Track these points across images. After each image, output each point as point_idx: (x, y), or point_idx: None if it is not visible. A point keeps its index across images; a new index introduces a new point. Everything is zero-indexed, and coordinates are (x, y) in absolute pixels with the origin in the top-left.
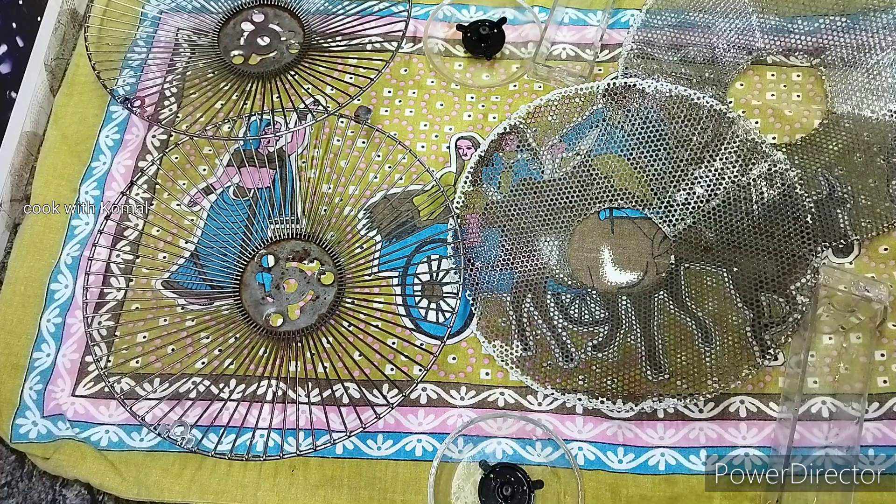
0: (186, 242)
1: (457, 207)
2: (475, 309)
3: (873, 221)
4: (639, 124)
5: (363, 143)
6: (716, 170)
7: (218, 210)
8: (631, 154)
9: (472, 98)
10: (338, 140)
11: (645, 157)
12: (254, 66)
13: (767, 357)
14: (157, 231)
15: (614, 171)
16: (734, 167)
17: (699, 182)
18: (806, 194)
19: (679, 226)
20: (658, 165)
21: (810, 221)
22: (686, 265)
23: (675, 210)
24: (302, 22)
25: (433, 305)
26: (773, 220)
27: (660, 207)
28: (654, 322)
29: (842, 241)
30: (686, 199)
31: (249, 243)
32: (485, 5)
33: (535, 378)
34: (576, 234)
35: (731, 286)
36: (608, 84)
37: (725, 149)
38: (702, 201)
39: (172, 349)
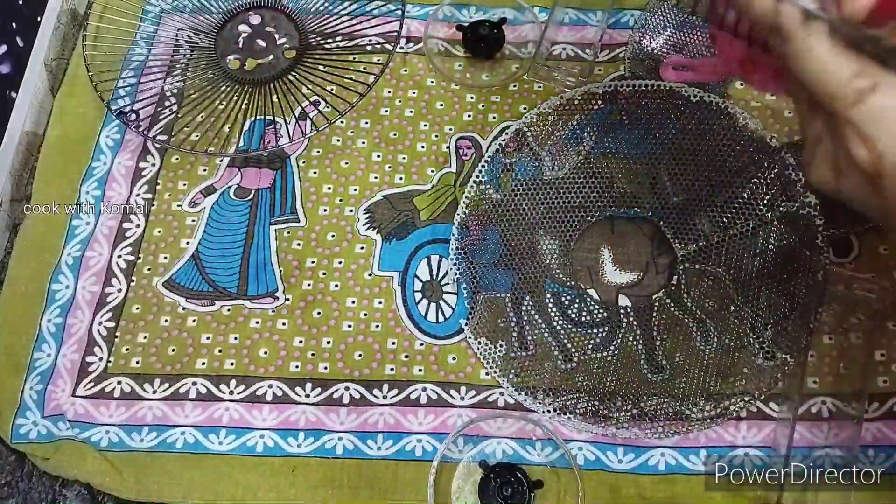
0: (187, 243)
1: (458, 208)
2: (474, 308)
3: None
4: (642, 127)
5: (363, 143)
6: (743, 199)
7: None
8: (636, 158)
9: (472, 98)
10: (337, 140)
11: (649, 162)
12: (250, 72)
13: (767, 357)
14: (159, 232)
15: (616, 174)
16: (761, 201)
17: (719, 207)
18: (825, 246)
19: (690, 247)
20: (678, 180)
21: (821, 279)
22: (686, 265)
23: (689, 231)
24: (297, 24)
25: (433, 305)
26: (784, 268)
27: (673, 225)
28: (653, 322)
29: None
30: (702, 221)
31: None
32: (485, 5)
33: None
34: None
35: (731, 286)
36: (609, 84)
37: (758, 179)
38: (718, 228)
39: (173, 349)
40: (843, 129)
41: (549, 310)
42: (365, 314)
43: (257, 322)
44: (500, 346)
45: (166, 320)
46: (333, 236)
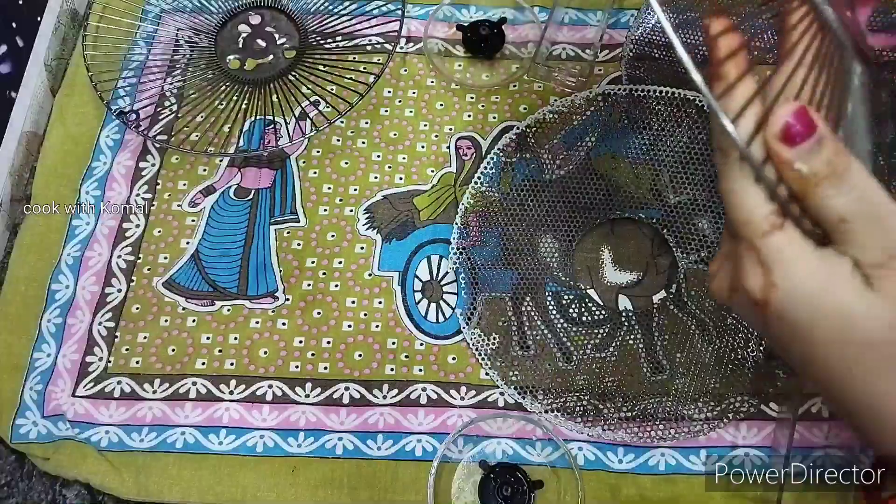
0: (187, 243)
1: (458, 208)
2: (474, 308)
3: None
4: (652, 133)
5: (363, 143)
6: None
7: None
8: (643, 163)
9: (472, 98)
10: (337, 140)
11: (655, 166)
12: (250, 72)
13: (768, 357)
14: (159, 232)
15: (621, 177)
16: None
17: (722, 210)
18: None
19: (692, 256)
20: (682, 184)
21: None
22: (686, 266)
23: (691, 235)
24: (297, 24)
25: (433, 305)
26: None
27: (675, 229)
28: (654, 322)
29: None
30: (703, 223)
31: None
32: (485, 5)
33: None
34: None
35: None
36: (608, 86)
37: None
38: (720, 230)
39: (173, 349)
40: (745, 254)
41: (550, 310)
42: (365, 314)
43: (257, 322)
44: (501, 344)
45: (166, 320)
46: (333, 236)
